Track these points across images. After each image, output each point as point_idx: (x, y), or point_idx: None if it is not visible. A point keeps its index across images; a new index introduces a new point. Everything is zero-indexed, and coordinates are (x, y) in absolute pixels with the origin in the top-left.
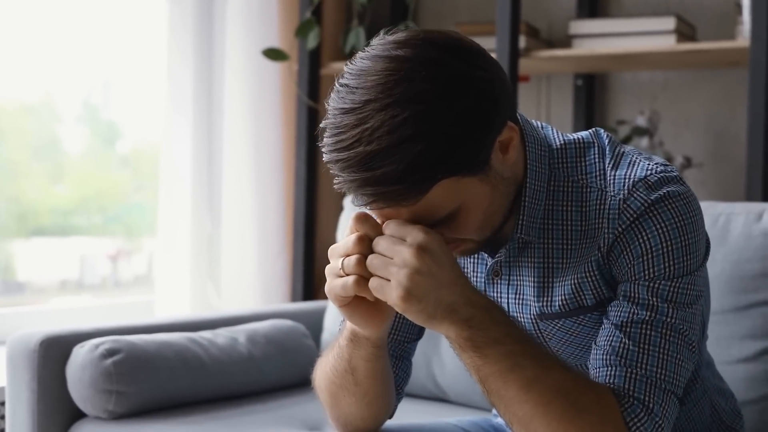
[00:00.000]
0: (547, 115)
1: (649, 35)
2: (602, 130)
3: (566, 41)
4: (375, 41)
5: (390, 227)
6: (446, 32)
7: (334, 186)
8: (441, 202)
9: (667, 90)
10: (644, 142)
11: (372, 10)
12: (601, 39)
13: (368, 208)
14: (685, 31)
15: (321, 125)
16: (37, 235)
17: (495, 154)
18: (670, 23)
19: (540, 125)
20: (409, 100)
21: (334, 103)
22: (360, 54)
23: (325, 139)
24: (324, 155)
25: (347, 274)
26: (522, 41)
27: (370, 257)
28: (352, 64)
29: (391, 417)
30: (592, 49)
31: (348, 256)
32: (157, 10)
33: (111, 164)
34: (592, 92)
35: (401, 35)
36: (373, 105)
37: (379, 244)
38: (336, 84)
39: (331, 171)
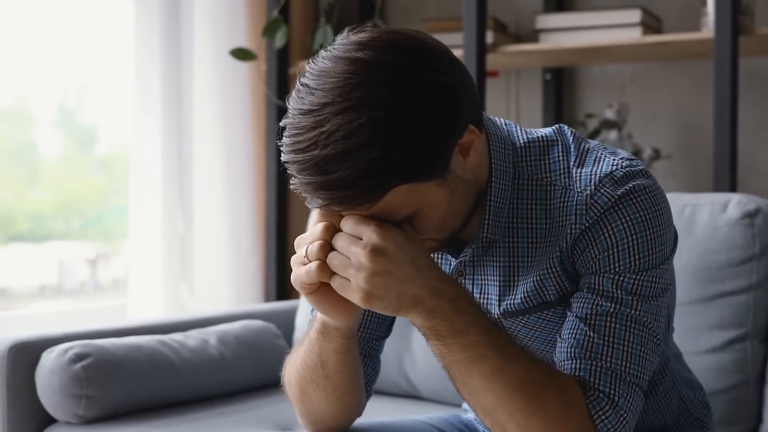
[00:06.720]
0: (517, 110)
1: (615, 28)
2: (566, 127)
3: (534, 36)
4: (338, 40)
5: (347, 224)
6: (410, 33)
7: (291, 187)
8: (397, 206)
9: (634, 82)
10: (613, 134)
11: (339, 8)
12: (568, 33)
13: (323, 210)
14: (651, 24)
15: (281, 123)
16: (14, 240)
17: (455, 158)
18: (635, 16)
19: (503, 123)
20: (366, 105)
21: (293, 102)
22: (322, 53)
23: (284, 139)
24: (282, 155)
25: (311, 261)
26: (489, 36)
27: (331, 255)
28: (313, 63)
29: (360, 415)
30: (559, 43)
31: (313, 243)
32: (124, 12)
33: (88, 168)
34: (560, 86)
35: (364, 36)
36: (331, 108)
37: (338, 242)
38: (297, 82)
39: (288, 171)
